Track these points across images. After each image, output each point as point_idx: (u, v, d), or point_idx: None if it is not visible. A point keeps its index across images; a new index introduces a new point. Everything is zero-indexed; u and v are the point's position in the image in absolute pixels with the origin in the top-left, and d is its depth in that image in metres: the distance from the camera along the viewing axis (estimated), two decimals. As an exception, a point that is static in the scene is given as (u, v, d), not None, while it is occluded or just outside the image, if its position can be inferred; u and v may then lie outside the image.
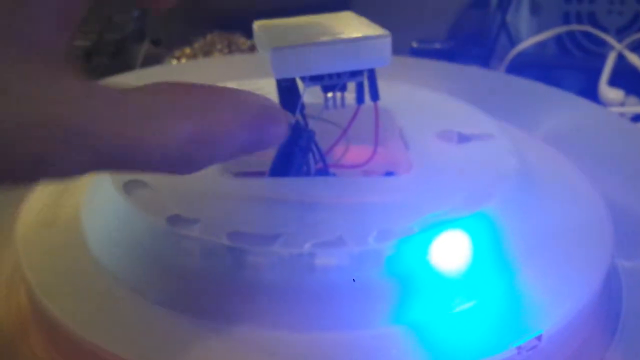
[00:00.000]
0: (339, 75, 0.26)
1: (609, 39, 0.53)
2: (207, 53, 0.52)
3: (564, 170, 0.32)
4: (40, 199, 0.30)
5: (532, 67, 0.51)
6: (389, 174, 0.32)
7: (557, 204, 0.28)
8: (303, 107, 0.26)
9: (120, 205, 0.25)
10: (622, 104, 0.48)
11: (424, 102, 0.35)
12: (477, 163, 0.28)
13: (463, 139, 0.30)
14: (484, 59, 0.55)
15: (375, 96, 0.28)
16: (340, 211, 0.25)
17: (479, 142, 0.30)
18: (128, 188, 0.26)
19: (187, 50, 0.53)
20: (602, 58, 0.53)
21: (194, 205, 0.25)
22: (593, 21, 0.57)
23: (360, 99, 0.28)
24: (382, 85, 0.37)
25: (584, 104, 0.40)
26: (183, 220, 0.24)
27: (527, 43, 0.52)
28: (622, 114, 0.44)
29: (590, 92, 0.49)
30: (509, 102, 0.41)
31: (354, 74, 0.27)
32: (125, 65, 0.54)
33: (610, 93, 0.48)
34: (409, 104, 0.34)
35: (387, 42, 0.26)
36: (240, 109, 0.20)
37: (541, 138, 0.37)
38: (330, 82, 0.26)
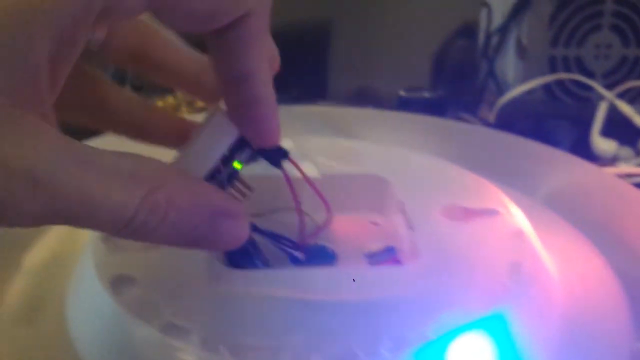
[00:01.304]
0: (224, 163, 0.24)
1: (599, 88, 0.53)
2: (191, 103, 0.50)
3: (575, 245, 0.31)
4: (19, 287, 0.28)
5: (521, 115, 0.51)
6: (389, 249, 0.30)
7: (572, 287, 0.27)
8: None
9: (110, 306, 0.23)
10: (616, 156, 0.47)
11: (422, 170, 0.34)
12: (488, 248, 0.26)
13: (469, 214, 0.29)
14: (473, 106, 0.54)
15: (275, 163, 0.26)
16: (347, 311, 0.23)
17: (486, 221, 0.28)
18: (116, 285, 0.24)
19: (170, 99, 0.51)
20: (592, 104, 0.52)
21: (188, 307, 0.23)
22: (580, 65, 0.57)
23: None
24: (377, 150, 0.36)
25: (579, 164, 0.39)
26: (178, 328, 0.22)
27: (515, 92, 0.52)
28: (619, 175, 0.43)
29: (582, 143, 0.48)
30: (504, 161, 0.40)
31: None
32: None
33: (603, 144, 0.48)
34: (407, 172, 0.33)
35: (219, 117, 0.23)
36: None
37: (541, 202, 0.36)
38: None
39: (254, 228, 0.27)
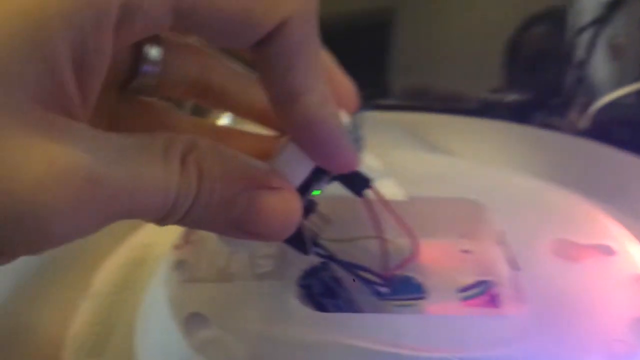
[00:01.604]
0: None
1: None
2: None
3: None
4: (88, 312, 0.27)
5: (617, 122, 0.46)
6: (483, 283, 0.27)
7: None
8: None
9: (182, 347, 0.21)
10: None
11: (522, 194, 0.30)
12: (605, 295, 0.23)
13: (580, 252, 0.26)
14: (561, 112, 0.50)
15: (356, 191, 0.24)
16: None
17: (601, 261, 0.25)
18: (190, 326, 0.22)
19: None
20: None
21: (261, 352, 0.21)
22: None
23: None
24: (469, 169, 0.33)
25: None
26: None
27: (612, 96, 0.47)
28: None
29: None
30: (607, 180, 0.36)
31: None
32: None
33: None
34: (505, 196, 0.30)
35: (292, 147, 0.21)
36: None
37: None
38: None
39: (333, 259, 0.24)
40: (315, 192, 0.23)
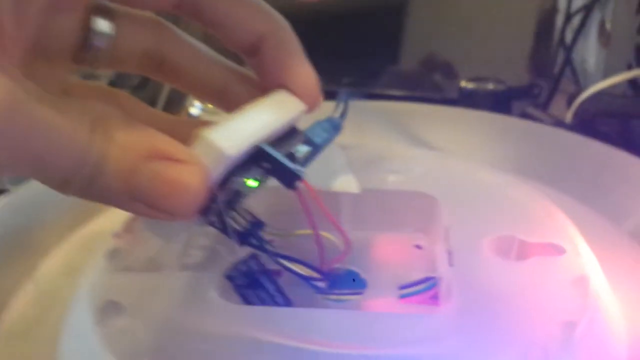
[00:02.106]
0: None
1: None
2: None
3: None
4: (26, 298, 0.27)
5: (603, 115, 0.44)
6: (427, 281, 0.26)
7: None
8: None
9: (93, 337, 0.21)
10: None
11: (479, 187, 0.29)
12: (539, 298, 0.22)
13: (526, 250, 0.24)
14: (545, 100, 0.48)
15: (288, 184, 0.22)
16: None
17: (545, 261, 0.24)
18: (104, 314, 0.22)
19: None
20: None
21: (170, 344, 0.20)
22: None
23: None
24: (431, 161, 0.32)
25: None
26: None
27: (599, 86, 0.45)
28: None
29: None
30: (585, 175, 0.34)
31: None
32: (148, 99, 0.50)
33: None
34: (460, 190, 0.29)
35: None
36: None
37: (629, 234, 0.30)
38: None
39: (266, 251, 0.23)
40: (251, 185, 0.22)
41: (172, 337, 0.20)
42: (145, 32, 0.23)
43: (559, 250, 0.24)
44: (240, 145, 0.21)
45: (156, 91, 0.50)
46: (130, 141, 0.18)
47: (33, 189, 0.31)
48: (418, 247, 0.29)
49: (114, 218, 0.30)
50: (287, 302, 0.24)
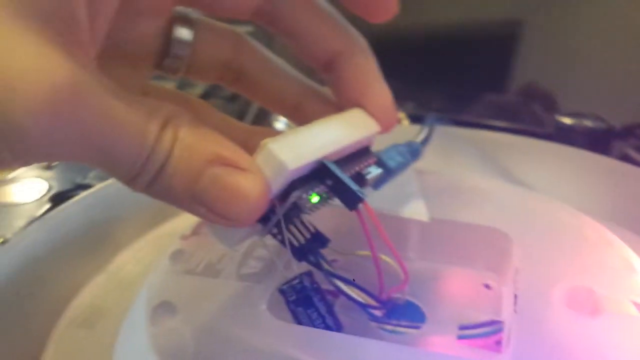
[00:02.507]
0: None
1: None
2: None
3: None
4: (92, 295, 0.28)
5: None
6: (492, 324, 0.25)
7: None
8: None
9: (143, 334, 0.21)
10: None
11: (558, 229, 0.27)
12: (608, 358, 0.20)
13: (598, 305, 0.22)
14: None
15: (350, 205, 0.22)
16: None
17: (620, 321, 0.21)
18: (157, 313, 0.22)
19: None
20: None
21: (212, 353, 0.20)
22: None
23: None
24: (506, 194, 0.30)
25: None
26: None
27: None
28: None
29: None
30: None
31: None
32: (238, 111, 0.51)
33: None
34: (536, 229, 0.27)
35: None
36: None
37: None
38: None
39: (322, 269, 0.23)
40: (313, 200, 0.22)
41: (215, 344, 0.21)
42: (224, 44, 0.24)
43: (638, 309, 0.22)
44: (303, 159, 0.21)
45: (247, 104, 0.52)
46: (197, 144, 0.18)
47: (115, 186, 0.33)
48: (487, 286, 0.27)
49: (192, 220, 0.31)
50: (338, 326, 0.23)
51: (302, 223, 0.23)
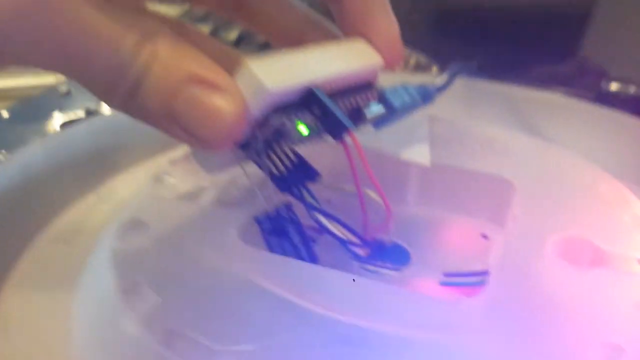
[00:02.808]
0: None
1: None
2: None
3: None
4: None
5: None
6: (479, 275, 0.23)
7: None
8: None
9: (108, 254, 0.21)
10: None
11: (567, 180, 0.25)
12: (590, 316, 0.18)
13: (597, 259, 0.21)
14: None
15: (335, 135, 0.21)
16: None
17: (614, 276, 0.20)
18: (127, 230, 0.22)
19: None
20: None
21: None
22: None
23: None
24: (518, 144, 0.28)
25: None
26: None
27: None
28: None
29: None
30: None
31: None
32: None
33: None
34: (543, 180, 0.25)
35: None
36: None
37: None
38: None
39: (304, 202, 0.22)
40: (301, 130, 0.21)
41: (179, 263, 0.20)
42: None
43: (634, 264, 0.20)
44: (286, 82, 0.19)
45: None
46: (175, 61, 0.18)
47: (117, 114, 0.33)
48: (484, 236, 0.26)
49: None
50: (313, 259, 0.22)
51: (291, 153, 0.22)
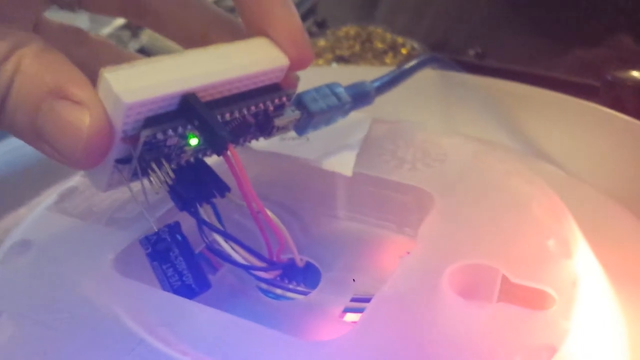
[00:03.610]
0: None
1: None
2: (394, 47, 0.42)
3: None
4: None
5: None
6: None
7: None
8: None
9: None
10: None
11: (498, 190, 0.22)
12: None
13: (504, 292, 0.18)
14: None
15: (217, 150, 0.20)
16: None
17: (516, 314, 0.17)
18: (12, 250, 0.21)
19: (322, 42, 0.45)
20: None
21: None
22: None
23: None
24: (463, 152, 0.25)
25: None
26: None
27: None
28: None
29: None
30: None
31: None
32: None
33: None
34: (468, 190, 0.22)
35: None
36: None
37: None
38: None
39: (199, 220, 0.20)
40: (191, 141, 0.19)
41: (51, 288, 0.19)
42: None
43: (545, 301, 0.18)
44: (150, 92, 0.18)
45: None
46: (38, 74, 0.17)
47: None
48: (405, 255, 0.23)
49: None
50: (201, 285, 0.20)
51: (188, 167, 0.21)
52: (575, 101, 0.33)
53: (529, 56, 0.47)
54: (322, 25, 0.58)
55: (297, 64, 0.21)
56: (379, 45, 0.42)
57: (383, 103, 0.27)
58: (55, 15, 0.22)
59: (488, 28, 0.50)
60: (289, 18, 0.21)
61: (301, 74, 0.22)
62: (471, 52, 0.48)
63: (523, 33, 0.49)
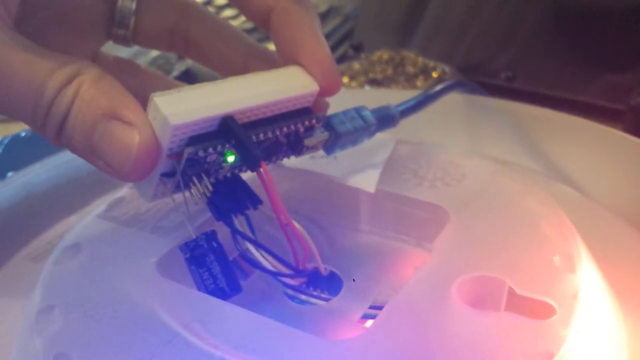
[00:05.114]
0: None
1: None
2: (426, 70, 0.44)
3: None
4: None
5: None
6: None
7: None
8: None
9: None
10: None
11: (509, 209, 0.24)
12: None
13: (510, 303, 0.20)
14: None
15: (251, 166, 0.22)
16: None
17: (517, 323, 0.19)
18: (64, 253, 0.23)
19: (356, 66, 0.48)
20: None
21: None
22: None
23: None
24: (483, 172, 0.26)
25: None
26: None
27: None
28: None
29: None
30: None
31: None
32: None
33: None
34: (484, 210, 0.24)
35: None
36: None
37: None
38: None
39: (233, 229, 0.22)
40: (229, 158, 0.22)
41: (99, 290, 0.21)
42: (169, 11, 0.25)
43: (546, 312, 0.19)
44: (195, 114, 0.20)
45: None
46: (94, 98, 0.19)
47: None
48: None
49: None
50: (233, 289, 0.22)
51: (225, 181, 0.23)
52: (596, 126, 0.34)
53: (559, 80, 0.48)
54: (358, 49, 0.60)
55: (326, 91, 0.23)
56: (411, 69, 0.44)
57: (409, 125, 0.29)
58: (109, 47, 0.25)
59: (522, 53, 0.52)
60: (319, 49, 0.23)
61: (335, 96, 0.24)
62: (502, 75, 0.49)
63: (557, 58, 0.50)
